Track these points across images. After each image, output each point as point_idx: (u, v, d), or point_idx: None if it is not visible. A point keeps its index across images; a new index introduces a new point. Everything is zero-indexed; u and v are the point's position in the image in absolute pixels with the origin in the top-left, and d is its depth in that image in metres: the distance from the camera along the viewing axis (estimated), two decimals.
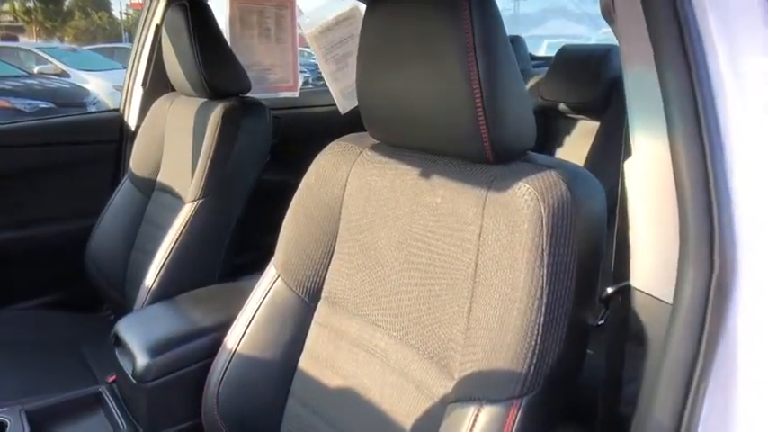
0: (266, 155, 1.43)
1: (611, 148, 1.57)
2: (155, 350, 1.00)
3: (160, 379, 1.00)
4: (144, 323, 1.11)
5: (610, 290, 0.64)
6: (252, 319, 0.96)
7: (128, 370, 1.02)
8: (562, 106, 1.89)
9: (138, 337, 1.04)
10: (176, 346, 1.02)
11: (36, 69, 7.32)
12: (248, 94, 1.49)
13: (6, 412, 1.04)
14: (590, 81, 1.78)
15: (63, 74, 7.35)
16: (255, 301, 0.97)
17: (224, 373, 0.96)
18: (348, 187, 0.89)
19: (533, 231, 0.64)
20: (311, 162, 0.96)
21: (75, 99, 6.25)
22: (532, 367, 0.62)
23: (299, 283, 0.93)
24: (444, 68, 0.71)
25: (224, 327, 1.01)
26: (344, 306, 0.88)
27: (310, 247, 0.93)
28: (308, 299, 0.93)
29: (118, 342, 1.09)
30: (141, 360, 0.99)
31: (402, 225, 0.81)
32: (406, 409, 0.75)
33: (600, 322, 0.66)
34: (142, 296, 1.32)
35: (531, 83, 2.05)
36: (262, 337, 0.95)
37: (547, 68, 2.04)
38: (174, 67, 1.49)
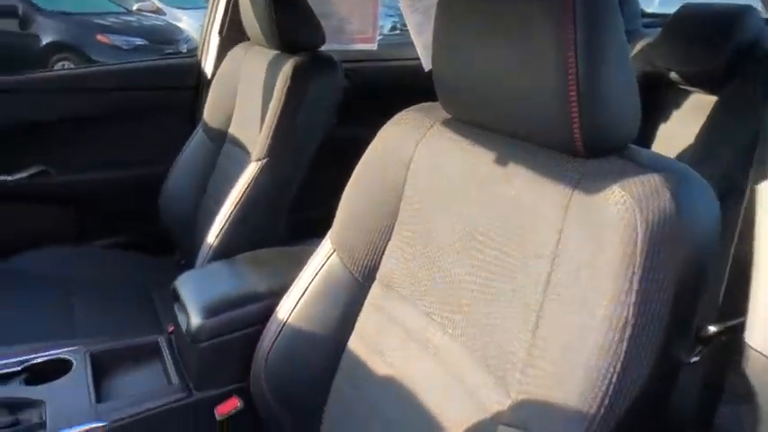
0: (334, 115, 1.37)
1: (728, 130, 1.36)
2: (209, 311, 1.00)
3: (212, 340, 1.00)
4: (202, 282, 1.11)
5: (713, 329, 0.53)
6: (304, 291, 0.93)
7: (183, 326, 1.03)
8: (673, 75, 1.62)
9: (195, 297, 1.04)
10: (230, 309, 1.02)
11: (135, 6, 7.56)
12: (323, 47, 1.42)
13: (73, 352, 1.09)
14: (713, 46, 1.48)
15: (159, 11, 7.55)
16: (309, 273, 0.94)
17: (274, 342, 0.94)
18: (413, 165, 0.81)
19: (624, 249, 0.53)
20: (388, 121, 0.88)
21: (169, 37, 6.42)
22: (602, 409, 0.52)
23: (354, 262, 0.88)
24: (534, 33, 0.60)
25: (278, 294, 0.99)
26: (399, 292, 0.83)
27: (368, 224, 0.87)
28: (361, 278, 0.88)
29: (177, 297, 1.10)
30: (195, 320, 0.99)
31: (468, 215, 0.72)
32: (453, 415, 0.69)
33: (694, 359, 0.56)
34: (204, 251, 1.33)
35: (639, 46, 1.77)
36: (313, 311, 0.92)
37: (659, 29, 1.75)
38: (248, 16, 1.44)
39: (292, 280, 0.96)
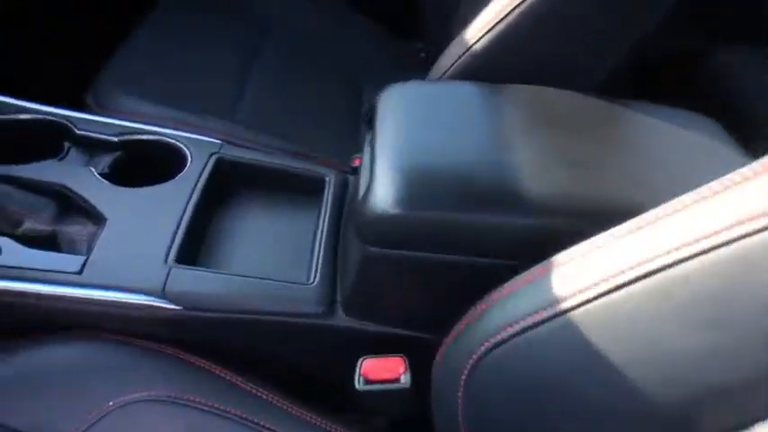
0: None
1: None
2: (412, 199, 0.48)
3: (393, 250, 0.49)
4: (429, 117, 0.57)
5: None
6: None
7: (359, 192, 0.53)
8: None
9: (398, 149, 0.51)
10: (454, 208, 0.48)
11: None
12: None
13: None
14: None
15: None
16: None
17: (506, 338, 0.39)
18: None
19: None
20: None
21: None
22: None
23: None
24: None
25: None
26: None
27: None
28: None
29: (371, 122, 0.59)
30: (380, 201, 0.48)
31: None
32: None
33: None
34: (457, 51, 0.74)
35: None
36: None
37: None
38: None
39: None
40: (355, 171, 0.76)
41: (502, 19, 0.62)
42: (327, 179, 0.70)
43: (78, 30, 1.05)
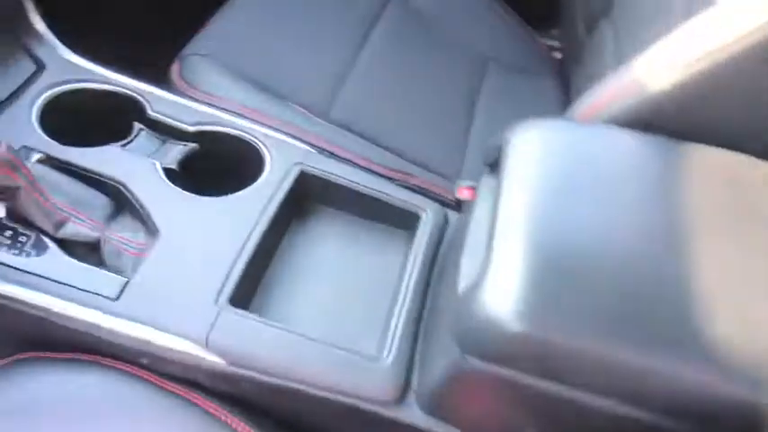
0: None
1: None
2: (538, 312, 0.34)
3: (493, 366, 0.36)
4: (571, 192, 0.42)
5: None
6: None
7: (457, 283, 0.40)
8: None
9: (527, 239, 0.38)
10: None
11: None
12: None
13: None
14: None
15: None
16: None
17: None
18: None
19: None
20: None
21: None
22: None
23: None
24: None
25: None
26: None
27: None
28: None
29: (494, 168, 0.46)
30: (492, 312, 0.34)
31: None
32: None
33: None
34: (615, 88, 0.57)
35: None
36: None
37: None
38: None
39: None
40: (459, 205, 0.63)
41: (705, 57, 0.44)
42: (423, 216, 0.57)
43: None
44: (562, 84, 0.97)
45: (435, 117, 0.79)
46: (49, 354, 0.48)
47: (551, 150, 0.45)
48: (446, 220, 0.59)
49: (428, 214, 0.57)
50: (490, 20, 1.02)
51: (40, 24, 0.60)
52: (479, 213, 0.47)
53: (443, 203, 0.66)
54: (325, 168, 0.59)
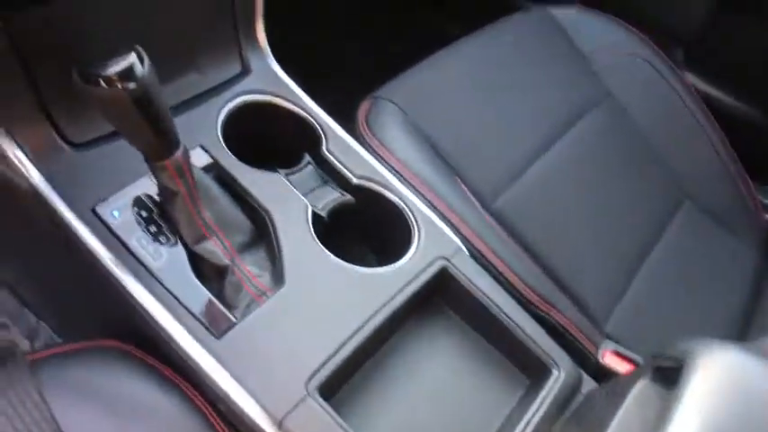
0: None
1: None
2: None
3: None
4: None
5: None
6: None
7: None
8: None
9: None
10: None
11: None
12: None
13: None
14: None
15: None
16: None
17: None
18: None
19: None
20: None
21: None
22: None
23: None
24: None
25: None
26: None
27: None
28: None
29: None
30: None
31: None
32: None
33: None
34: None
35: None
36: None
37: None
38: None
39: None
40: (600, 372, 0.55)
41: None
42: (555, 374, 0.50)
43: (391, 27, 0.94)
44: (766, 254, 0.83)
45: (605, 246, 0.71)
46: (133, 349, 0.48)
47: (736, 393, 0.36)
48: (578, 387, 0.51)
49: (561, 374, 0.50)
50: (703, 150, 0.90)
51: (261, 33, 0.61)
52: (630, 420, 0.39)
53: (580, 353, 0.58)
54: (468, 275, 0.53)
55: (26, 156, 0.46)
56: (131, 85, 0.38)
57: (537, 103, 0.77)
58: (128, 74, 0.38)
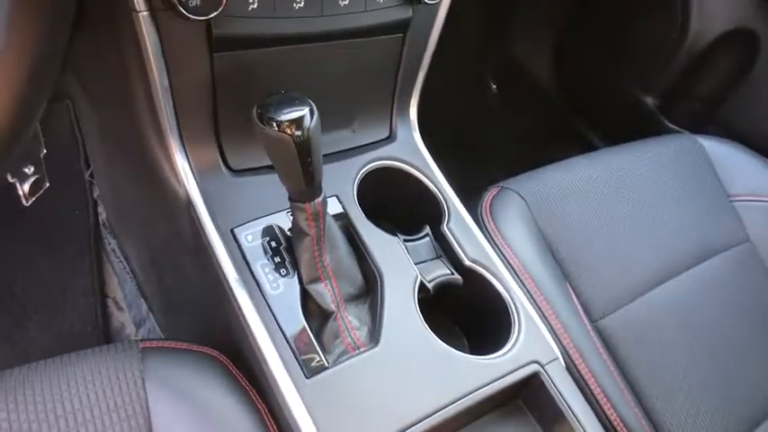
0: None
1: None
2: None
3: None
4: None
5: None
6: None
7: None
8: None
9: None
10: None
11: None
12: None
13: None
14: None
15: None
16: None
17: None
18: None
19: None
20: None
21: None
22: None
23: None
24: None
25: None
26: None
27: None
28: None
29: None
30: None
31: None
32: None
33: None
34: None
35: None
36: None
37: None
38: None
39: None
40: None
41: None
42: None
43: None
44: None
45: (715, 397, 0.65)
46: (230, 364, 0.51)
47: None
48: None
49: None
50: None
51: (413, 108, 0.66)
52: None
53: None
54: (560, 386, 0.52)
55: (192, 171, 0.53)
56: (298, 133, 0.43)
57: (667, 230, 0.74)
58: (298, 123, 0.43)
